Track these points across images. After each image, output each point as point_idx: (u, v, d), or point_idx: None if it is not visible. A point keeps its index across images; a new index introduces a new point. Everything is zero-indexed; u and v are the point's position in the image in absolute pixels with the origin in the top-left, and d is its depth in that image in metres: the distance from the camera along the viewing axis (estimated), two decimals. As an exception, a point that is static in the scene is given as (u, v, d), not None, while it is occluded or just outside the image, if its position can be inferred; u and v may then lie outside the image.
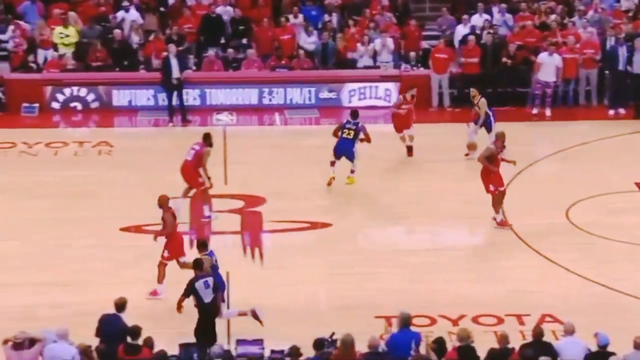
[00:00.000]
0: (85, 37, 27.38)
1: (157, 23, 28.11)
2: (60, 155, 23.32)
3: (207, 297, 14.74)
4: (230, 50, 27.39)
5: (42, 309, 16.08)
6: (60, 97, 26.29)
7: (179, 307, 14.91)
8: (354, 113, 21.75)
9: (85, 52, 27.01)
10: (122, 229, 19.26)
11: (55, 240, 18.62)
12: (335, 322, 14.76)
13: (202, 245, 15.90)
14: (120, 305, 14.13)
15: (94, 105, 26.37)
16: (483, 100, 22.40)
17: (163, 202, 16.75)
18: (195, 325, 14.47)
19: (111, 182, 21.51)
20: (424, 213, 20.07)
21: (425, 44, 28.00)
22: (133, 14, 27.84)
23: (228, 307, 15.64)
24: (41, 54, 27.17)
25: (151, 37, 27.14)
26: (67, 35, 27.09)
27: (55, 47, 27.08)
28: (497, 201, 19.28)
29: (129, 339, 13.35)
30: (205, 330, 14.51)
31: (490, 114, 22.38)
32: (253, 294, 16.76)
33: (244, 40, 27.93)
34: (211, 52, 27.16)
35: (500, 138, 19.45)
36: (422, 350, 13.23)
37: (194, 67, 26.93)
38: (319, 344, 13.23)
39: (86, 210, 19.98)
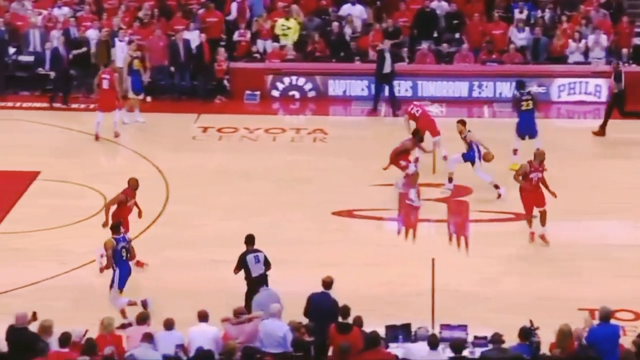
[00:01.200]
0: (305, 29, 28.40)
1: (373, 16, 28.91)
2: (278, 141, 24.11)
3: (257, 271, 15.23)
4: (444, 45, 27.89)
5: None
6: (280, 86, 27.19)
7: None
8: (521, 84, 22.01)
9: (304, 44, 28.03)
10: (334, 213, 19.92)
11: (272, 221, 19.29)
12: (538, 312, 14.92)
13: (115, 228, 16.20)
14: (329, 283, 14.58)
15: (311, 94, 27.15)
16: (471, 132, 20.66)
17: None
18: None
19: (325, 168, 22.17)
20: (628, 208, 20.00)
21: (637, 41, 27.68)
22: (358, 8, 28.72)
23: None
24: (260, 44, 28.27)
25: (372, 30, 27.86)
26: (289, 27, 28.11)
27: (276, 38, 28.20)
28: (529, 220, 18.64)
29: (339, 318, 13.72)
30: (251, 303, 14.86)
31: (475, 147, 20.52)
32: (457, 281, 17.26)
33: (456, 35, 28.41)
34: (424, 45, 27.71)
35: (539, 157, 18.48)
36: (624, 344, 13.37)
37: (407, 60, 27.57)
38: (525, 333, 13.35)
39: (301, 194, 20.69)
